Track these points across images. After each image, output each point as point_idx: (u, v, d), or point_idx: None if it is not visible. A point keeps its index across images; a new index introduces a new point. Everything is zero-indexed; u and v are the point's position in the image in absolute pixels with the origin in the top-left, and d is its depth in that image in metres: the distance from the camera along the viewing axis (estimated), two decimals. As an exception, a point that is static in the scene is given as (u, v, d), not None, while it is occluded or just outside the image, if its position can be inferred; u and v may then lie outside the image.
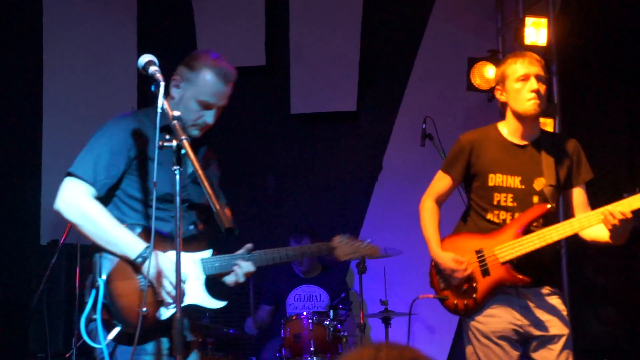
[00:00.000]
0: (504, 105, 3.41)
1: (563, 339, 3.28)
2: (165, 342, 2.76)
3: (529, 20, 5.46)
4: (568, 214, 3.42)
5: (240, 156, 6.13)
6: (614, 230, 3.13)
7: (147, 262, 2.67)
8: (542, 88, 3.30)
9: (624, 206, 3.10)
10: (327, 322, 4.74)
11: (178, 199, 2.49)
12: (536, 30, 5.45)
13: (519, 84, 3.31)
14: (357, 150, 6.37)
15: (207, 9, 6.40)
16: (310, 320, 4.75)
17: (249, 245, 2.98)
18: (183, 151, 2.55)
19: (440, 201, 3.53)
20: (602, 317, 4.92)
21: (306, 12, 6.37)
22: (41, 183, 6.40)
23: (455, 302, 3.36)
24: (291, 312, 5.46)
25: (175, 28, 6.56)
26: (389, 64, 6.41)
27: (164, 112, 2.58)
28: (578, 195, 3.40)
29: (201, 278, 2.88)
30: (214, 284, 2.94)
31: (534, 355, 3.30)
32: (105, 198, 2.84)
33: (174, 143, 2.51)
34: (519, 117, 3.36)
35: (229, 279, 2.95)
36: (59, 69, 6.48)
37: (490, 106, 5.64)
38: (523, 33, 5.44)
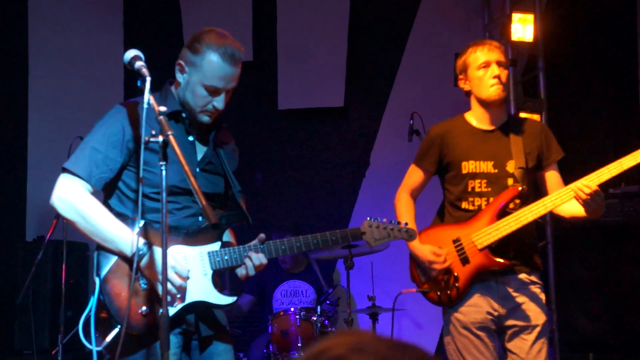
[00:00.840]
0: (468, 93, 3.45)
1: (537, 329, 3.29)
2: (174, 339, 2.67)
3: (516, 16, 5.48)
4: (544, 195, 3.44)
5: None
6: (587, 205, 3.15)
7: (144, 259, 2.58)
8: (504, 73, 3.35)
9: (592, 180, 3.13)
10: (315, 318, 4.74)
11: (164, 194, 2.38)
12: (523, 26, 5.47)
13: (481, 71, 3.36)
14: (344, 146, 6.37)
15: (194, 4, 6.38)
16: (297, 316, 4.75)
17: (261, 236, 2.80)
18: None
19: (415, 195, 3.55)
20: (588, 312, 4.95)
21: (293, 8, 6.36)
22: (27, 179, 6.37)
23: (438, 293, 3.37)
24: (277, 307, 5.45)
25: (162, 23, 6.53)
26: (376, 59, 6.42)
27: (149, 107, 2.48)
28: (551, 175, 3.43)
29: (208, 273, 2.74)
30: (222, 279, 2.81)
31: (508, 345, 3.32)
32: (108, 191, 2.76)
33: (160, 139, 2.39)
34: (483, 103, 3.40)
35: (240, 272, 2.80)
36: (45, 64, 6.44)
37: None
38: (510, 29, 5.46)
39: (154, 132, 2.41)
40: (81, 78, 6.37)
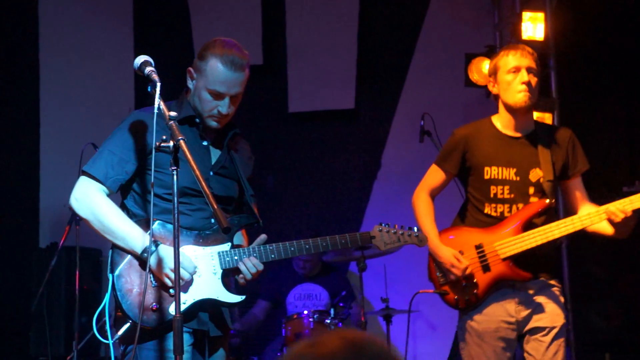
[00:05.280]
0: (497, 97, 3.42)
1: (554, 331, 3.29)
2: (187, 337, 2.74)
3: (526, 15, 5.45)
4: (566, 205, 3.44)
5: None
6: (617, 227, 3.17)
7: (152, 256, 2.69)
8: (534, 80, 3.31)
9: (626, 204, 3.13)
10: (328, 321, 4.73)
11: (176, 199, 2.48)
12: (533, 25, 5.44)
13: (510, 75, 3.31)
14: (355, 148, 6.36)
15: (203, 9, 6.38)
16: (311, 319, 4.74)
17: (262, 237, 2.87)
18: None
19: (434, 195, 3.52)
20: (603, 311, 4.91)
21: (303, 10, 6.35)
22: (39, 185, 6.39)
23: (456, 297, 3.36)
24: (291, 310, 5.44)
25: (172, 28, 6.54)
26: (386, 61, 6.40)
27: (160, 112, 2.58)
28: (575, 186, 3.41)
29: (218, 272, 2.84)
30: (232, 279, 2.90)
31: (526, 347, 3.32)
32: (124, 193, 2.90)
33: (171, 143, 2.49)
34: (510, 109, 3.36)
35: (239, 280, 2.86)
36: (55, 70, 6.46)
37: (489, 102, 5.62)
38: (520, 28, 5.43)
39: (164, 137, 2.51)
40: (92, 85, 6.38)
